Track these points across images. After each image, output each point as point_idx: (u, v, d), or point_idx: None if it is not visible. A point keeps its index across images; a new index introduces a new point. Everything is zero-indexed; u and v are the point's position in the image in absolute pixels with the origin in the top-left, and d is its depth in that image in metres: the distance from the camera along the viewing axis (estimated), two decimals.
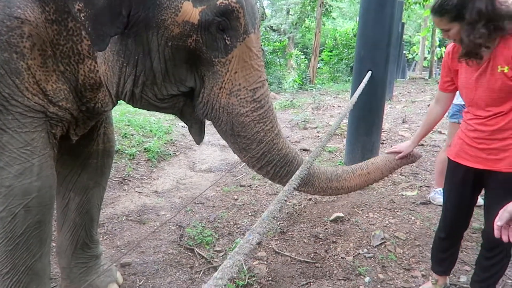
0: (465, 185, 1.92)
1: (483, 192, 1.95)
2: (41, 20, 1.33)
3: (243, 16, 1.35)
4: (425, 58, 21.26)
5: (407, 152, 1.97)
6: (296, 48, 21.09)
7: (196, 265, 2.48)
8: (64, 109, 1.49)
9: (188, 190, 3.73)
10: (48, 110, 1.44)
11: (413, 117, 6.60)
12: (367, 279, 2.32)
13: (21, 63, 1.33)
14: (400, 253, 2.58)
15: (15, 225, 1.41)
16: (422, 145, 4.98)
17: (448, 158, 1.99)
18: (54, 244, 2.12)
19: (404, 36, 15.54)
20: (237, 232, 2.88)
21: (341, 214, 3.02)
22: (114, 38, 1.32)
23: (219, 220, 3.05)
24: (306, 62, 16.15)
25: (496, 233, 1.22)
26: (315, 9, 15.19)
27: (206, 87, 1.42)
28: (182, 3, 1.28)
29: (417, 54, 22.63)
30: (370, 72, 3.76)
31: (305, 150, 4.87)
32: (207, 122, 1.60)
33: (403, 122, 6.17)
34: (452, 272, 2.29)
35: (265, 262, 2.50)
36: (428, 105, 7.62)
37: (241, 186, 3.76)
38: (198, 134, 1.61)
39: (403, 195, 3.48)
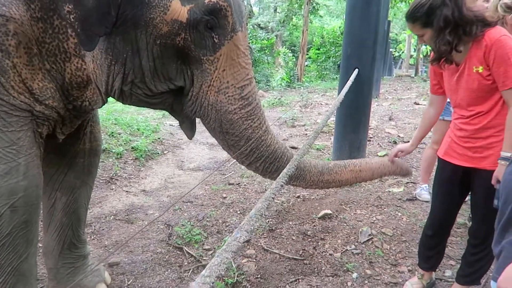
0: (453, 183, 1.96)
1: None
2: (26, 18, 1.32)
3: (231, 14, 1.37)
4: (411, 56, 21.48)
5: (408, 152, 2.11)
6: (284, 46, 21.13)
7: (185, 263, 2.48)
8: (51, 108, 1.47)
9: (176, 189, 3.72)
10: (35, 108, 1.43)
11: (400, 114, 6.67)
12: (354, 275, 2.35)
13: (7, 61, 1.31)
14: (387, 249, 2.62)
15: (1, 225, 1.39)
16: (408, 142, 5.04)
17: (437, 156, 2.04)
18: (40, 245, 2.09)
19: (390, 34, 15.70)
20: (226, 230, 2.89)
21: (329, 211, 3.05)
22: (102, 37, 1.31)
23: (208, 219, 3.05)
24: (294, 60, 16.19)
25: None
26: (302, 7, 15.24)
27: (194, 85, 1.44)
28: (170, 2, 1.29)
29: (403, 52, 22.86)
30: (356, 70, 3.79)
31: (293, 147, 4.88)
32: (197, 120, 1.60)
33: (390, 120, 6.24)
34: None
35: (254, 260, 2.51)
36: (414, 103, 7.71)
37: (229, 184, 3.77)
38: (190, 129, 1.62)
39: (389, 191, 3.52)
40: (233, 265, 2.42)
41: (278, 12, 20.33)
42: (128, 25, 1.30)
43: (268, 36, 15.66)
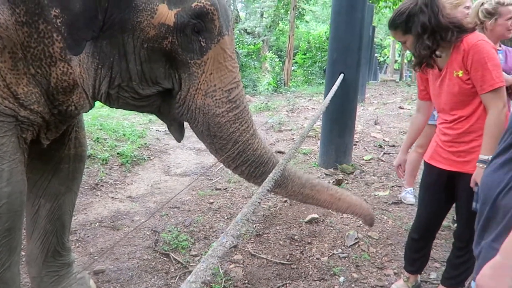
0: (439, 187, 2.00)
1: None
2: (11, 22, 1.30)
3: (218, 18, 1.38)
4: (395, 61, 21.83)
5: (404, 162, 2.21)
6: (271, 51, 21.22)
7: (172, 270, 2.46)
8: (36, 113, 1.46)
9: (163, 194, 3.70)
10: (19, 114, 1.41)
11: (385, 118, 6.76)
12: (341, 278, 2.36)
13: None
14: (373, 252, 2.64)
15: None
16: (393, 146, 5.11)
17: (424, 160, 2.08)
18: (23, 253, 2.05)
19: (375, 40, 15.92)
20: (213, 236, 2.88)
21: (316, 216, 3.06)
22: (89, 41, 1.31)
23: (194, 224, 3.03)
24: (281, 65, 16.27)
25: None
26: (289, 12, 15.35)
27: (182, 88, 1.44)
28: (157, 6, 1.30)
29: (388, 57, 23.23)
30: (342, 74, 3.83)
31: (280, 152, 4.90)
32: (184, 124, 1.60)
33: (375, 124, 6.31)
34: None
35: (241, 265, 2.50)
36: (399, 107, 7.82)
37: (216, 189, 3.76)
38: (178, 132, 1.61)
39: (375, 195, 3.56)
40: (220, 270, 2.41)
41: (265, 17, 20.43)
42: (115, 29, 1.30)
43: (254, 41, 15.72)
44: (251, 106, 8.08)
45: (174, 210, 3.29)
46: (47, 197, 1.87)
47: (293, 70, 15.80)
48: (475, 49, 1.69)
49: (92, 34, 1.29)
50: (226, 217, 3.17)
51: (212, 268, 0.85)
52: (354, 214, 1.76)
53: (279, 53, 22.25)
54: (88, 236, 2.84)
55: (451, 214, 2.89)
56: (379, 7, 15.05)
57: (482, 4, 2.35)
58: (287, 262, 2.53)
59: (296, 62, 16.44)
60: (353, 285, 2.32)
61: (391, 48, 22.05)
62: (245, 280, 2.35)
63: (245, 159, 1.52)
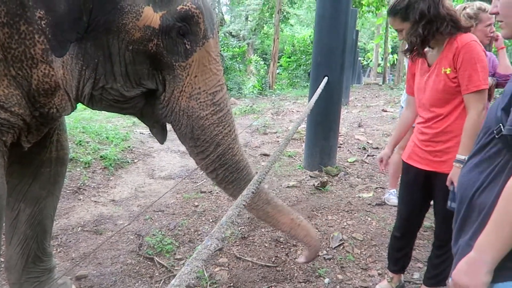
0: (417, 186, 2.03)
1: None
2: None
3: (203, 21, 1.39)
4: (378, 65, 22.10)
5: (388, 157, 2.19)
6: (255, 54, 21.26)
7: (156, 274, 2.43)
8: (16, 115, 1.43)
9: (147, 198, 3.65)
10: None
11: (368, 121, 6.83)
12: (326, 280, 2.38)
13: None
14: (357, 254, 2.67)
15: None
16: (377, 148, 5.17)
17: (402, 160, 2.10)
18: (2, 259, 2.00)
19: (358, 43, 16.11)
20: (198, 239, 2.86)
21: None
22: (74, 42, 1.30)
23: (179, 228, 3.01)
24: (266, 68, 16.33)
25: None
26: (273, 15, 15.44)
27: (166, 90, 1.44)
28: (143, 8, 1.29)
29: (371, 61, 23.50)
30: (326, 78, 3.86)
31: (265, 155, 4.91)
32: (167, 128, 1.59)
33: (359, 126, 6.37)
34: (406, 269, 2.40)
35: (227, 268, 2.49)
36: (382, 110, 7.92)
37: (201, 192, 3.73)
38: (161, 134, 1.61)
39: (359, 197, 3.59)
40: (205, 274, 2.40)
41: (250, 21, 20.47)
42: (100, 31, 1.29)
43: (239, 44, 15.73)
44: (236, 109, 8.07)
45: (159, 214, 3.26)
46: (27, 201, 1.83)
47: (278, 73, 15.87)
48: (467, 48, 1.73)
49: (76, 36, 1.28)
50: (211, 220, 3.16)
51: (197, 271, 0.85)
52: (307, 244, 1.75)
53: (264, 56, 22.31)
54: (70, 241, 2.79)
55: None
56: (362, 11, 15.24)
57: (465, 8, 2.40)
58: (272, 265, 2.53)
59: (281, 65, 16.51)
60: (338, 287, 2.33)
61: (374, 52, 22.34)
62: (230, 283, 2.34)
63: (224, 163, 1.53)
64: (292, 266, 2.52)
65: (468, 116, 1.75)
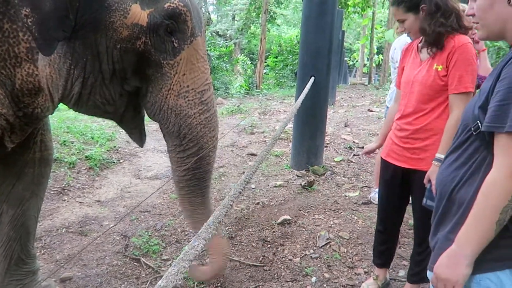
0: (395, 184, 2.08)
1: None
2: None
3: (190, 19, 1.39)
4: (364, 65, 22.30)
5: (374, 149, 2.24)
6: (242, 54, 21.25)
7: (143, 275, 2.42)
8: None
9: (133, 198, 3.62)
10: None
11: (355, 121, 6.89)
12: (313, 279, 2.39)
13: None
14: (344, 252, 2.69)
15: None
16: (363, 147, 5.22)
17: (381, 157, 2.14)
18: None
19: (344, 44, 16.22)
20: (185, 240, 2.84)
21: (288, 217, 3.09)
22: (61, 41, 1.28)
23: (166, 228, 2.99)
24: (252, 67, 16.34)
25: None
26: (260, 15, 15.46)
27: (154, 88, 1.44)
28: (130, 6, 1.29)
29: (357, 61, 23.69)
30: (313, 78, 3.88)
31: (252, 154, 4.91)
32: (154, 128, 1.58)
33: (346, 126, 6.42)
34: (391, 267, 2.43)
35: None
36: (368, 109, 8.00)
37: None
38: (139, 139, 1.62)
39: (346, 196, 3.62)
40: None
41: (237, 20, 20.45)
42: (88, 29, 1.28)
43: (226, 43, 15.70)
44: (223, 109, 8.06)
45: (145, 214, 3.23)
46: (10, 202, 1.79)
47: (264, 73, 15.89)
48: (463, 49, 1.75)
49: (63, 34, 1.26)
50: None
51: (184, 272, 0.84)
52: (215, 262, 1.71)
53: (250, 56, 22.31)
54: (54, 243, 2.74)
55: None
56: (348, 12, 15.38)
57: None
58: (259, 264, 2.54)
59: (267, 65, 16.54)
60: (325, 285, 2.35)
61: (360, 52, 22.53)
62: (217, 283, 2.34)
63: (198, 166, 1.53)
64: (280, 266, 2.53)
65: (450, 116, 1.78)
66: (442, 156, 1.71)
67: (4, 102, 1.40)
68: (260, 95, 11.61)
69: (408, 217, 2.71)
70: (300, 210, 3.26)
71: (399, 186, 2.07)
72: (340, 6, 13.00)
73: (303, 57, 4.15)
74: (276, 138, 1.93)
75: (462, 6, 2.40)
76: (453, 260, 1.03)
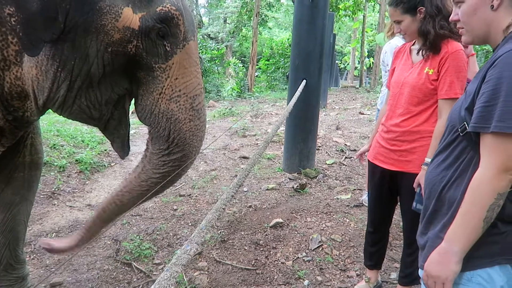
0: (382, 186, 2.10)
1: None
2: None
3: (183, 23, 1.38)
4: (355, 68, 22.45)
5: (367, 151, 2.20)
6: (234, 57, 21.26)
7: (134, 280, 2.39)
8: None
9: None
10: None
11: (346, 123, 6.93)
12: (306, 282, 2.39)
13: None
14: (336, 255, 2.69)
15: None
16: (354, 150, 5.25)
17: (368, 160, 2.15)
18: None
19: (335, 47, 16.34)
20: (177, 243, 2.83)
21: (280, 220, 3.08)
22: (49, 43, 1.26)
23: (158, 232, 2.97)
24: (244, 70, 16.33)
25: None
26: (252, 18, 15.46)
27: (146, 91, 1.42)
28: (122, 9, 1.27)
29: (348, 64, 23.86)
30: (304, 81, 3.90)
31: (244, 157, 4.91)
32: (146, 131, 1.57)
33: (337, 129, 6.45)
34: (383, 270, 2.44)
35: (206, 272, 2.47)
36: (360, 112, 8.05)
37: (180, 196, 3.70)
38: (121, 149, 1.57)
39: (338, 198, 3.63)
40: (184, 278, 2.37)
41: (228, 23, 20.46)
42: (78, 32, 1.26)
43: (218, 46, 15.69)
44: (215, 111, 8.05)
45: (136, 218, 3.21)
46: None
47: (256, 76, 15.89)
48: (455, 56, 1.77)
49: (51, 36, 1.24)
50: (190, 224, 3.13)
51: (176, 276, 0.84)
52: (83, 236, 1.71)
53: (242, 58, 22.32)
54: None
55: None
56: (339, 15, 15.46)
57: None
58: (252, 268, 2.53)
59: (259, 68, 16.56)
60: None
61: (351, 56, 22.68)
62: (210, 287, 2.33)
63: (172, 171, 1.51)
64: (272, 269, 2.52)
65: (439, 121, 1.80)
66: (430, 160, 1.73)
67: None
68: (252, 98, 11.62)
69: (400, 220, 2.73)
70: (292, 213, 3.26)
71: (387, 188, 2.09)
72: (331, 10, 13.09)
73: (294, 60, 4.16)
74: (269, 141, 1.94)
75: None
76: (443, 257, 1.06)
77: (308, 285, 2.37)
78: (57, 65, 1.29)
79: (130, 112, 1.58)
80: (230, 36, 20.01)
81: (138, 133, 5.49)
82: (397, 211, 2.30)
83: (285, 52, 15.35)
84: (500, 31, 1.07)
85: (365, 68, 19.67)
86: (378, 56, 14.63)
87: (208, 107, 9.20)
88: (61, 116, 1.47)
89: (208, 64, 12.64)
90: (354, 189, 3.87)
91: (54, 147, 4.30)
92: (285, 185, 3.95)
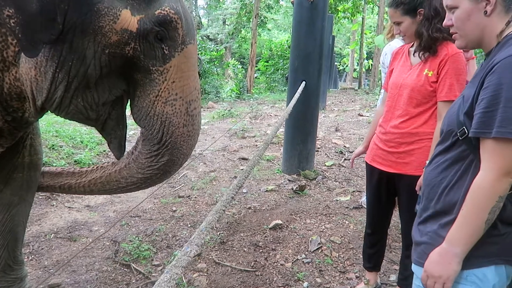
0: (381, 188, 2.10)
1: None
2: None
3: (181, 27, 1.37)
4: (354, 70, 22.49)
5: (362, 152, 2.22)
6: (233, 58, 21.28)
7: (133, 281, 2.39)
8: None
9: (123, 203, 3.58)
10: None
11: (345, 125, 6.93)
12: (305, 284, 2.38)
13: None
14: (335, 257, 2.69)
15: None
16: (353, 152, 5.25)
17: (366, 162, 2.15)
18: None
19: (334, 49, 16.36)
20: (176, 245, 2.82)
21: (279, 222, 3.08)
22: (48, 44, 1.26)
23: (157, 233, 2.96)
24: (243, 72, 16.35)
25: None
26: (251, 20, 15.49)
27: (142, 93, 1.42)
28: (120, 11, 1.27)
29: (347, 66, 23.90)
30: (304, 82, 3.90)
31: (243, 159, 4.91)
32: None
33: (336, 130, 6.46)
34: (383, 272, 2.44)
35: (205, 274, 2.47)
36: (359, 114, 8.06)
37: (179, 197, 3.69)
38: (118, 149, 1.58)
39: (337, 200, 3.63)
40: (183, 280, 2.37)
41: (227, 25, 20.47)
42: (76, 33, 1.26)
43: (217, 47, 15.70)
44: (214, 113, 8.05)
45: (135, 219, 3.20)
46: None
47: (255, 77, 15.92)
48: (455, 58, 1.77)
49: (50, 37, 1.24)
50: (189, 225, 3.12)
51: (176, 278, 0.83)
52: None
53: (241, 60, 22.37)
54: (42, 248, 2.70)
55: None
56: (338, 17, 15.51)
57: None
58: (251, 269, 2.52)
59: (258, 69, 16.58)
60: None
61: (350, 57, 22.72)
62: None
63: (159, 175, 1.52)
64: (271, 271, 2.52)
65: (438, 123, 1.79)
66: None
67: None
68: (251, 99, 11.63)
69: (399, 222, 2.72)
70: (292, 215, 3.26)
71: (385, 190, 2.09)
72: (330, 11, 13.11)
73: (294, 61, 4.16)
74: (268, 142, 1.93)
75: None
76: (444, 257, 1.09)
77: (307, 287, 2.36)
78: (55, 66, 1.29)
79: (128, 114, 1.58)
80: (229, 38, 20.01)
81: (137, 134, 5.49)
82: (396, 213, 2.31)
83: (284, 54, 15.38)
84: (494, 36, 1.11)
85: (364, 70, 19.72)
86: (377, 58, 14.66)
87: (207, 108, 9.20)
88: (60, 117, 1.47)
89: (207, 65, 12.65)
90: (353, 191, 3.87)
91: (53, 148, 4.29)
92: (284, 186, 3.94)
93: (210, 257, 2.64)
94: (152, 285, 2.30)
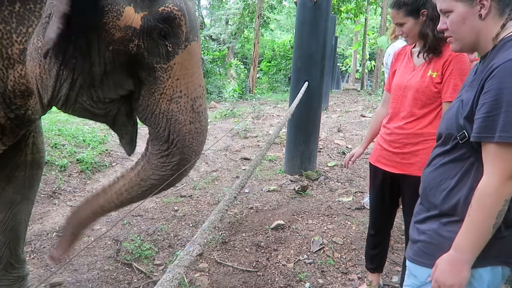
0: (384, 189, 2.09)
1: None
2: None
3: (185, 24, 1.37)
4: (357, 71, 22.44)
5: (359, 154, 2.20)
6: (236, 58, 21.27)
7: (135, 280, 2.38)
8: None
9: None
10: None
11: (348, 126, 6.92)
12: (307, 285, 2.38)
13: None
14: (338, 258, 2.68)
15: None
16: None
17: (369, 162, 2.14)
18: None
19: (337, 49, 16.33)
20: (177, 244, 2.82)
21: (281, 222, 3.07)
22: None
23: (158, 233, 2.96)
24: (246, 72, 16.35)
25: None
26: (254, 20, 15.49)
27: (147, 91, 1.41)
28: (124, 8, 1.27)
29: (349, 67, 23.83)
30: (307, 83, 3.89)
31: (245, 159, 4.90)
32: (147, 132, 1.56)
33: (339, 131, 6.44)
34: (385, 273, 2.43)
35: (207, 274, 2.46)
36: (361, 115, 8.04)
37: (181, 196, 3.69)
38: (129, 145, 1.58)
39: (339, 201, 3.62)
40: (185, 280, 2.36)
41: (230, 25, 20.49)
42: (80, 30, 1.26)
43: (220, 47, 15.72)
44: (216, 113, 8.05)
45: (137, 218, 3.20)
46: (0, 206, 1.76)
47: (258, 78, 15.91)
48: (459, 59, 1.77)
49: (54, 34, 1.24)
50: (191, 225, 3.12)
51: (179, 277, 0.83)
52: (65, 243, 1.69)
53: (244, 60, 22.34)
54: (44, 247, 2.70)
55: None
56: (341, 18, 15.49)
57: None
58: (253, 270, 2.52)
59: (261, 70, 16.57)
60: None
61: (352, 58, 22.67)
62: None
63: (170, 175, 1.50)
64: (273, 271, 2.51)
65: None
66: None
67: None
68: (254, 99, 11.62)
69: (401, 223, 2.71)
70: (294, 215, 3.25)
71: (389, 191, 2.08)
72: (333, 12, 13.10)
73: (296, 62, 4.15)
74: (271, 142, 1.93)
75: None
76: (455, 266, 1.08)
77: (309, 287, 2.36)
78: (59, 63, 1.29)
79: None
80: (232, 38, 20.02)
81: (140, 133, 5.49)
82: (399, 214, 2.29)
83: (286, 54, 15.38)
84: (489, 39, 1.11)
85: (366, 70, 19.68)
86: (379, 59, 14.62)
87: (210, 108, 9.20)
88: (63, 116, 1.47)
89: (210, 65, 12.67)
90: (356, 192, 3.86)
91: (56, 147, 4.30)
92: (286, 187, 3.94)
93: (212, 257, 2.64)
94: (153, 285, 2.30)
